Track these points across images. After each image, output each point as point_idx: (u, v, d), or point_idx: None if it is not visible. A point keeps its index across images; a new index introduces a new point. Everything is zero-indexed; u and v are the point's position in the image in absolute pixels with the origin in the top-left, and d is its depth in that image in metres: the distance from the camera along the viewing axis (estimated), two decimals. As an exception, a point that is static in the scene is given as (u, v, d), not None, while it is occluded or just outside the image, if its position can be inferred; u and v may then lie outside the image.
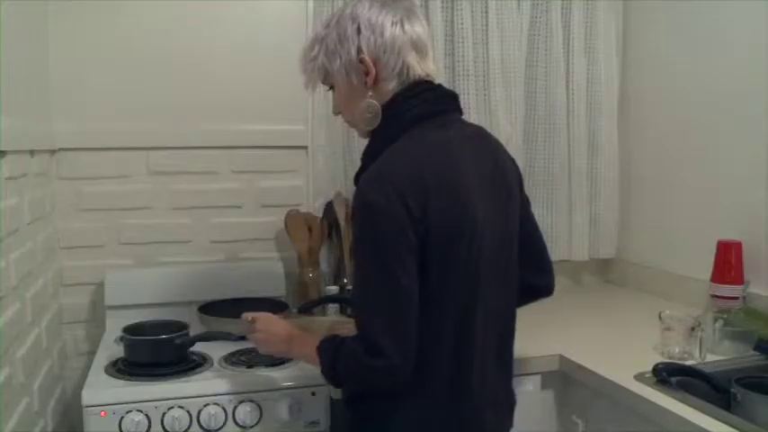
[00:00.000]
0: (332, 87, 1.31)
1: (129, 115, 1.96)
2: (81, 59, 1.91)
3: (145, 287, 1.92)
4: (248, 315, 1.46)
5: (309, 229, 2.04)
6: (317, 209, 2.10)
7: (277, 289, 2.00)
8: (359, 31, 1.21)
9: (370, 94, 1.23)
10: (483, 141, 1.30)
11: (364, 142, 2.04)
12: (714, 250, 1.85)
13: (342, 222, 2.05)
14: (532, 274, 1.35)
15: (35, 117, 1.71)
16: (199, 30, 1.99)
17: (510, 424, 1.33)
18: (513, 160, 1.35)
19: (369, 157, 1.23)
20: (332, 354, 1.17)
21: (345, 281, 2.06)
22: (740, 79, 1.88)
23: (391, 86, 1.23)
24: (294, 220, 2.05)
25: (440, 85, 1.27)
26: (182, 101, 1.99)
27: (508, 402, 1.33)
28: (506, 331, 1.30)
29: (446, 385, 1.18)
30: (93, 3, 1.90)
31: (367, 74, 1.22)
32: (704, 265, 1.87)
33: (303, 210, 2.09)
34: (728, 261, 1.82)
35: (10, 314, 1.34)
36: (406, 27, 1.22)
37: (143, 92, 1.96)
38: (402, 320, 1.10)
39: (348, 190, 2.12)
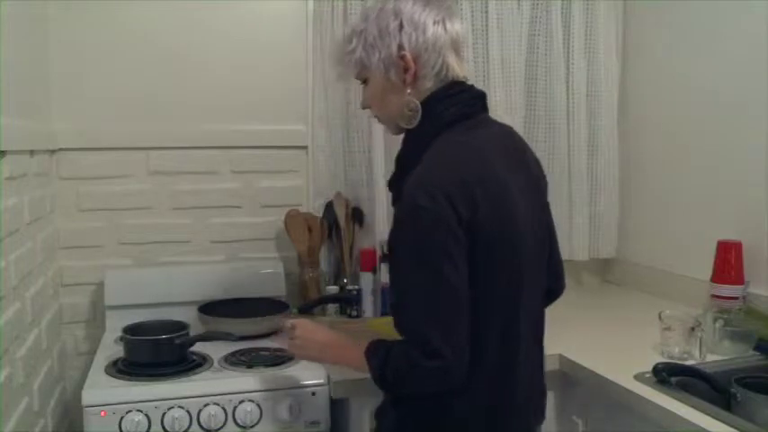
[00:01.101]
0: (364, 81, 1.29)
1: (129, 115, 1.96)
2: (81, 59, 1.91)
3: (145, 287, 1.92)
4: (288, 322, 1.42)
5: (309, 229, 2.05)
6: (317, 209, 2.10)
7: (277, 289, 2.00)
8: (401, 27, 1.20)
9: (408, 91, 1.22)
10: (514, 143, 1.30)
11: (364, 143, 2.08)
12: (714, 250, 1.85)
13: (342, 222, 2.05)
14: (551, 278, 1.36)
15: (35, 117, 1.71)
16: (199, 30, 1.99)
17: (542, 420, 1.34)
18: (538, 162, 1.35)
19: (407, 159, 1.23)
20: (382, 357, 1.16)
21: (345, 281, 2.06)
22: (740, 79, 1.88)
23: (428, 85, 1.23)
24: (294, 220, 2.05)
25: (472, 86, 1.27)
26: (182, 101, 1.99)
27: (542, 401, 1.34)
28: (539, 333, 1.31)
29: (492, 385, 1.18)
30: (94, 3, 1.90)
31: (406, 71, 1.21)
32: (704, 265, 1.87)
33: (303, 210, 2.09)
34: (728, 261, 1.82)
35: (10, 314, 1.34)
36: (448, 26, 1.22)
37: (143, 92, 1.96)
38: (456, 322, 1.11)
39: (348, 190, 2.12)
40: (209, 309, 1.84)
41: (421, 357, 1.09)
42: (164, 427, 1.43)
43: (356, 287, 2.01)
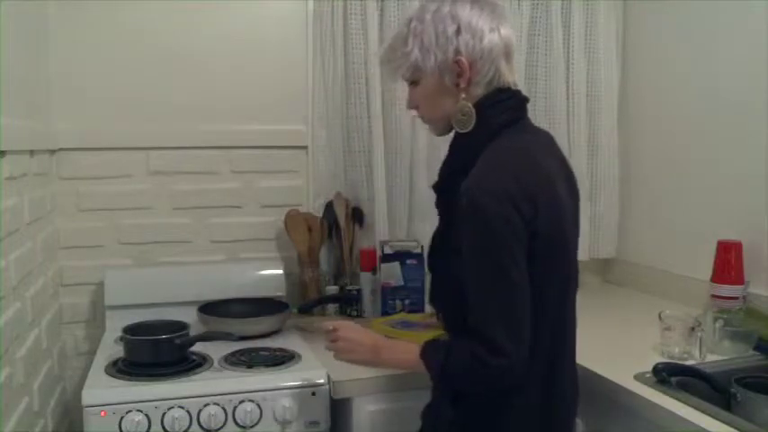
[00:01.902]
0: (414, 82, 1.28)
1: (129, 115, 1.96)
2: (81, 60, 1.91)
3: (145, 287, 1.92)
4: (328, 324, 1.39)
5: (309, 229, 2.05)
6: (317, 209, 2.10)
7: (277, 289, 2.00)
8: (458, 32, 1.21)
9: (463, 96, 1.23)
10: (556, 149, 1.33)
11: (364, 143, 2.08)
12: (714, 250, 1.85)
13: (342, 222, 2.05)
14: None
15: (35, 117, 1.71)
16: (199, 30, 1.99)
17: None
18: (573, 171, 1.36)
19: (459, 163, 1.23)
20: (443, 356, 1.17)
21: (345, 281, 2.06)
22: (740, 79, 1.88)
23: (479, 91, 1.24)
24: (294, 220, 2.05)
25: (518, 91, 1.28)
26: (182, 101, 1.99)
27: (578, 398, 1.36)
28: (575, 332, 1.33)
29: (545, 383, 1.21)
30: (94, 3, 1.90)
31: (460, 76, 1.22)
32: (704, 265, 1.87)
33: (303, 210, 2.09)
34: (728, 261, 1.82)
35: (10, 314, 1.34)
36: (502, 32, 1.23)
37: (143, 92, 1.96)
38: (519, 321, 1.13)
39: (348, 190, 2.12)
40: (209, 309, 1.84)
41: (486, 355, 1.11)
42: (164, 427, 1.43)
43: (356, 287, 2.01)
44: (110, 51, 1.93)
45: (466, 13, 1.21)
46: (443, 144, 2.09)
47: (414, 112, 1.36)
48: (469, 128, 1.23)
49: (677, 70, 2.10)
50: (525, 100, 1.29)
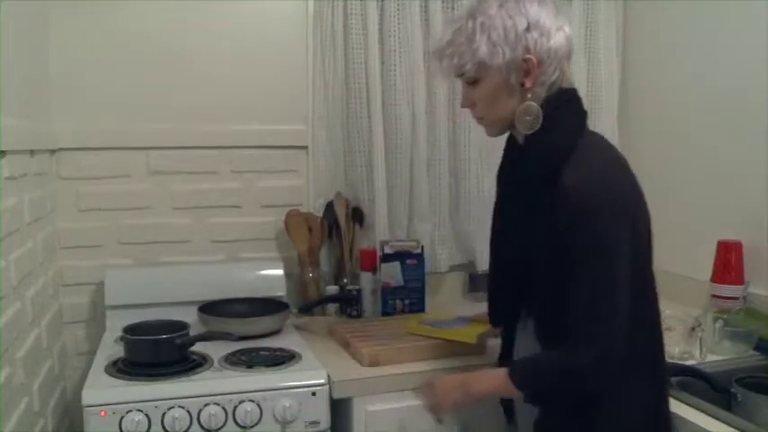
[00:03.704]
0: (473, 81, 1.24)
1: (129, 115, 1.96)
2: (81, 59, 1.91)
3: (145, 287, 1.92)
4: (423, 386, 1.38)
5: (309, 229, 2.05)
6: (317, 209, 2.10)
7: (277, 289, 2.00)
8: (528, 29, 1.18)
9: (528, 96, 1.20)
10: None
11: (364, 143, 2.08)
12: (714, 250, 1.85)
13: (342, 222, 2.05)
14: None
15: (35, 117, 1.71)
16: (199, 30, 1.99)
17: None
18: None
19: (545, 166, 1.18)
20: (531, 372, 1.19)
21: (345, 281, 2.06)
22: (740, 79, 1.88)
23: (542, 91, 1.21)
24: (294, 220, 2.05)
25: (577, 90, 1.27)
26: (182, 101, 1.99)
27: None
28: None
29: (647, 383, 1.22)
30: (93, 3, 1.90)
31: (526, 75, 1.19)
32: (704, 265, 1.87)
33: (303, 210, 2.09)
34: (728, 261, 1.82)
35: (10, 314, 1.34)
36: (567, 32, 1.22)
37: (143, 92, 1.96)
38: (618, 316, 1.12)
39: (348, 190, 2.12)
40: (209, 309, 1.84)
41: (577, 353, 1.12)
42: (164, 427, 1.43)
43: (356, 287, 2.01)
44: (110, 51, 1.93)
45: (534, 10, 1.18)
46: (443, 144, 2.13)
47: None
48: (535, 129, 1.21)
49: (677, 70, 2.10)
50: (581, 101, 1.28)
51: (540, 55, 1.18)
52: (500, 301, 1.39)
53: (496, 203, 1.39)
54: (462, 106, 1.31)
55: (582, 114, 1.25)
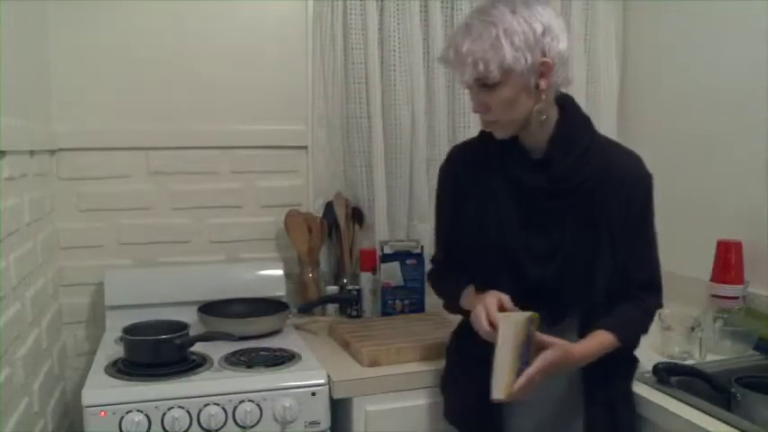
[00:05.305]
0: (492, 85, 1.24)
1: (129, 115, 1.96)
2: (81, 60, 1.90)
3: (145, 287, 1.92)
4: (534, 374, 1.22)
5: (309, 229, 2.05)
6: (317, 209, 2.10)
7: (277, 289, 2.00)
8: (543, 34, 1.22)
9: (543, 97, 1.26)
10: None
11: (364, 143, 2.08)
12: (714, 250, 1.85)
13: (342, 222, 2.05)
14: None
15: (35, 117, 1.71)
16: (199, 30, 1.99)
17: None
18: None
19: (579, 157, 1.33)
20: (633, 328, 1.36)
21: (345, 281, 2.06)
22: (740, 79, 1.88)
23: (551, 92, 1.28)
24: (294, 220, 2.05)
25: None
26: (182, 101, 1.99)
27: None
28: None
29: None
30: (93, 3, 1.90)
31: (541, 77, 1.24)
32: (704, 265, 1.87)
33: (303, 210, 2.09)
34: (728, 261, 1.82)
35: (10, 314, 1.34)
36: (567, 37, 1.28)
37: (143, 92, 1.96)
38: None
39: (348, 190, 2.12)
40: (209, 309, 1.84)
41: (659, 296, 1.41)
42: (164, 427, 1.43)
43: (356, 287, 2.01)
44: (110, 51, 1.93)
45: (546, 15, 1.23)
46: (443, 144, 2.12)
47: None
48: (546, 128, 1.31)
49: (677, 70, 2.10)
50: None
51: (553, 59, 1.24)
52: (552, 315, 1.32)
53: (506, 219, 1.36)
54: (474, 111, 1.33)
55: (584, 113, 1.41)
